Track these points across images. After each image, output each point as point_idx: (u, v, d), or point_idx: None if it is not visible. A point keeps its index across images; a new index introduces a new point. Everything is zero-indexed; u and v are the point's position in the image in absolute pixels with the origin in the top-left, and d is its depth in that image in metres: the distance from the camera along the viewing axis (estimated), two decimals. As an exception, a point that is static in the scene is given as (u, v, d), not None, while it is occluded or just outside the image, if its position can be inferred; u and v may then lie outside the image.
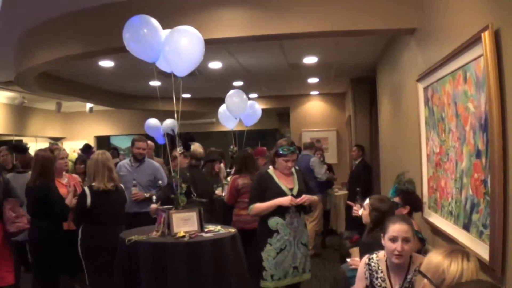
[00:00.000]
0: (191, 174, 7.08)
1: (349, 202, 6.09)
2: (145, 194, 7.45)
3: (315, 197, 5.86)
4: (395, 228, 3.72)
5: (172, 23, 5.39)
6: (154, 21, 5.30)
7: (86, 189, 6.06)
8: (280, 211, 5.62)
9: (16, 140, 15.54)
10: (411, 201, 5.24)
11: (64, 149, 7.74)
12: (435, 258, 2.66)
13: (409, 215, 5.07)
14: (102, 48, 6.80)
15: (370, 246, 4.14)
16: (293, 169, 5.91)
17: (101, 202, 6.01)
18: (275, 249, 5.60)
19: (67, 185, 6.82)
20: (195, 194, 6.43)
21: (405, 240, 3.68)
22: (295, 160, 5.86)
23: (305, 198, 5.58)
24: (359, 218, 5.12)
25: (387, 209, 4.59)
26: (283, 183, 5.78)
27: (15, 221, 6.19)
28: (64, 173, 7.14)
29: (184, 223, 5.20)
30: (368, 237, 4.60)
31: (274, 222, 5.64)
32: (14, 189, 6.49)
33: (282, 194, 5.64)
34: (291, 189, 5.73)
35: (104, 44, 6.74)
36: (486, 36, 3.36)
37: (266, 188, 5.77)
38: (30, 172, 6.83)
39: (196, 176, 7.20)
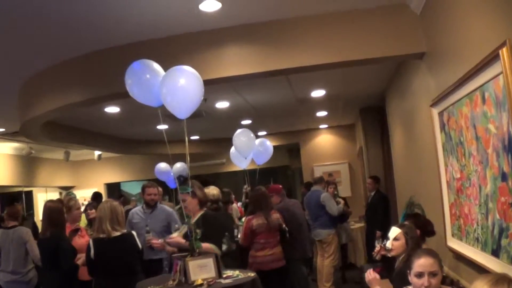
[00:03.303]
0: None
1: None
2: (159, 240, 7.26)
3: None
4: (420, 262, 3.55)
5: (175, 64, 5.28)
6: (156, 65, 5.23)
7: (90, 241, 5.89)
8: None
9: (25, 191, 15.49)
10: (420, 224, 5.15)
11: (77, 200, 7.65)
12: None
13: (422, 240, 5.00)
14: (105, 93, 6.71)
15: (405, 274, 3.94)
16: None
17: (103, 253, 5.78)
18: None
19: (82, 236, 6.75)
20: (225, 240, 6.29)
21: (432, 274, 3.51)
22: (190, 203, 5.79)
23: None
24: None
25: (418, 235, 4.58)
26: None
27: None
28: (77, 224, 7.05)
29: (201, 270, 5.02)
30: (404, 265, 4.40)
31: None
32: None
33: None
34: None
35: (107, 90, 6.64)
36: (504, 53, 3.21)
37: None
38: (20, 227, 6.84)
39: (222, 220, 7.05)
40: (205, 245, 5.40)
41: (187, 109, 5.19)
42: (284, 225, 7.52)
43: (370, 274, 4.46)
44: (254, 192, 7.88)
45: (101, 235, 5.86)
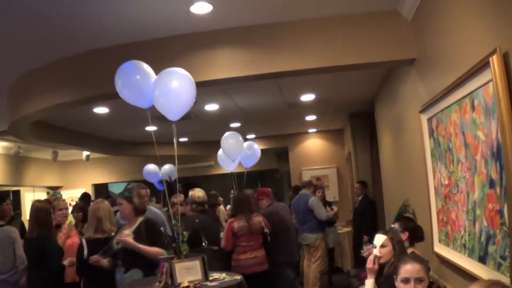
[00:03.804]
0: (200, 220, 6.92)
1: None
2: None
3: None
4: (407, 268, 3.56)
5: (166, 66, 5.27)
6: (146, 66, 5.21)
7: (83, 240, 5.89)
8: None
9: (13, 191, 15.41)
10: (409, 227, 5.20)
11: (64, 200, 7.58)
12: None
13: (410, 243, 5.04)
14: (96, 94, 6.67)
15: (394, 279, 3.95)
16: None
17: (96, 253, 5.78)
18: None
19: (65, 236, 6.72)
20: (206, 242, 6.26)
21: (418, 280, 3.52)
22: (126, 207, 5.80)
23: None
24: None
25: (402, 239, 4.60)
26: None
27: None
28: (64, 225, 6.99)
29: (188, 273, 5.00)
30: (393, 270, 4.40)
31: None
32: None
33: None
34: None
35: (98, 90, 6.61)
36: (495, 60, 3.23)
37: None
38: (8, 227, 6.81)
39: (205, 223, 7.04)
40: (156, 250, 5.45)
41: (179, 111, 5.20)
42: (266, 229, 7.51)
43: (371, 262, 4.47)
44: (236, 194, 7.87)
45: (99, 235, 5.85)
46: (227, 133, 8.30)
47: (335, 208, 10.86)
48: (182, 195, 7.82)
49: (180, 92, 5.06)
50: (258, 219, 7.46)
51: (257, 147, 9.10)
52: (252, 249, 7.28)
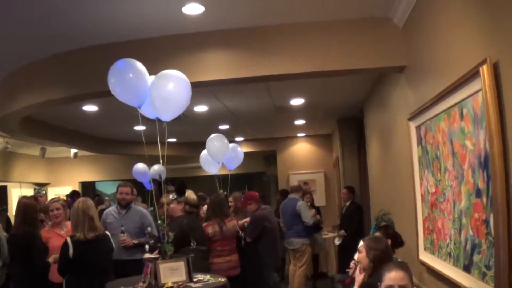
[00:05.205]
0: (188, 221, 6.90)
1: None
2: (133, 241, 7.22)
3: None
4: (391, 276, 3.57)
5: (157, 66, 5.28)
6: (140, 65, 5.17)
7: (68, 239, 5.73)
8: None
9: (0, 186, 15.33)
10: (390, 234, 5.29)
11: (57, 200, 7.37)
12: None
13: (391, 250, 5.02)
14: (85, 92, 6.65)
15: (373, 286, 3.95)
16: None
17: (84, 253, 5.66)
18: None
19: (65, 236, 6.63)
20: (194, 242, 6.23)
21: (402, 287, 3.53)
22: None
23: None
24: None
25: (384, 247, 4.50)
26: None
27: None
28: (64, 222, 6.87)
29: (172, 273, 4.98)
30: (371, 277, 4.42)
31: None
32: None
33: None
34: None
35: (87, 88, 6.58)
36: (485, 70, 3.23)
37: None
38: None
39: (194, 223, 7.03)
40: None
41: (173, 113, 5.18)
42: (241, 233, 7.51)
43: (356, 272, 4.51)
44: (211, 198, 7.86)
45: (81, 235, 5.75)
46: (212, 136, 8.27)
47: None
48: (172, 195, 7.78)
49: (178, 95, 5.04)
50: (232, 223, 7.48)
51: (240, 149, 9.06)
52: (225, 254, 7.30)
